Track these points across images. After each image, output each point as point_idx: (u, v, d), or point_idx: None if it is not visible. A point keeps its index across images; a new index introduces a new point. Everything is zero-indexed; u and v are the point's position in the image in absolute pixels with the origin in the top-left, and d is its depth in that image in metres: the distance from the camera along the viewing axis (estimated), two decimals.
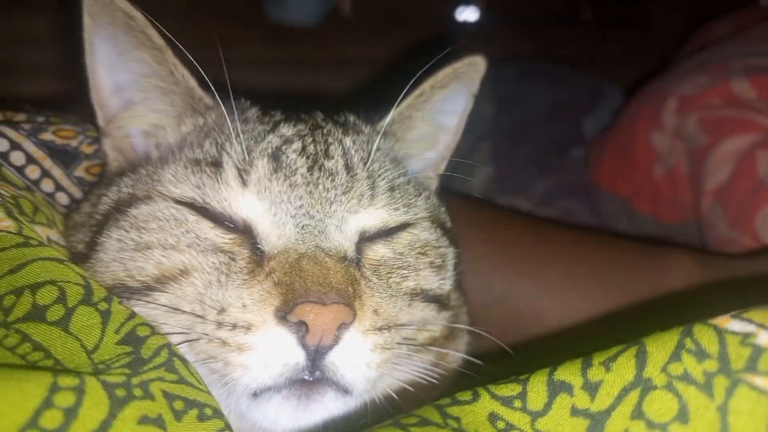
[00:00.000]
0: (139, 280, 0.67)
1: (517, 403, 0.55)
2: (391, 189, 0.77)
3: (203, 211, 0.70)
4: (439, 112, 0.90)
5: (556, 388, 0.55)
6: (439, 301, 0.76)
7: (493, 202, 1.71)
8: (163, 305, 0.66)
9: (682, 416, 0.51)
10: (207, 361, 0.63)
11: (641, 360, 0.54)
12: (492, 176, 1.86)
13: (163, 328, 0.65)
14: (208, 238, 0.69)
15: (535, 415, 0.54)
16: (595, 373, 0.54)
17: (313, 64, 2.16)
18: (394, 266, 0.73)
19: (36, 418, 0.48)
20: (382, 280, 0.71)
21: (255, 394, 0.63)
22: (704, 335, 0.53)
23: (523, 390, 0.56)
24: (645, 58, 2.41)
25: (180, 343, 0.64)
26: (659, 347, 0.54)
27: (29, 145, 0.84)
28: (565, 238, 1.21)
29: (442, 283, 0.77)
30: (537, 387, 0.55)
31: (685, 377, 0.52)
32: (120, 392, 0.53)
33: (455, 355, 0.79)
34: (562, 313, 1.07)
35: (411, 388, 0.70)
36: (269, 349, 0.61)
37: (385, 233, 0.75)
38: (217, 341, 0.62)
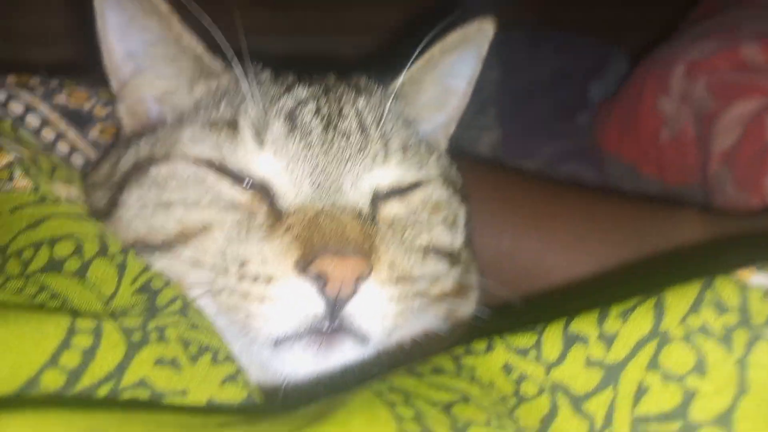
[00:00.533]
0: (161, 237, 0.69)
1: (532, 354, 0.55)
2: (404, 148, 0.78)
3: (222, 170, 0.71)
4: (449, 75, 0.91)
5: (571, 339, 0.55)
6: (450, 256, 0.78)
7: (500, 162, 1.71)
8: (185, 260, 0.68)
9: (700, 368, 0.50)
10: (229, 312, 0.65)
11: (659, 312, 0.53)
12: (498, 140, 1.87)
13: (184, 282, 0.67)
14: (227, 196, 0.70)
15: (549, 366, 0.54)
16: (612, 324, 0.54)
17: (317, 31, 2.14)
18: (408, 223, 0.75)
19: (55, 357, 0.50)
20: (396, 235, 0.73)
21: (276, 344, 0.65)
22: (725, 288, 0.52)
23: (538, 340, 0.55)
24: (650, 26, 2.38)
25: (202, 296, 0.66)
26: (678, 299, 0.53)
27: (44, 108, 0.85)
28: (573, 196, 1.22)
29: (453, 239, 0.79)
30: (552, 338, 0.55)
31: (704, 330, 0.51)
32: (136, 336, 0.55)
33: (465, 309, 0.81)
34: (569, 269, 1.09)
35: (423, 339, 0.72)
36: (290, 300, 0.63)
37: (399, 191, 0.77)
38: (239, 293, 0.64)
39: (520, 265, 1.10)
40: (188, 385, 0.55)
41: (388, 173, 0.76)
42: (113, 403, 0.52)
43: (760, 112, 1.32)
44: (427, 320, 0.75)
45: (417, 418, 0.44)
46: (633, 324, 0.53)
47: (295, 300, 0.63)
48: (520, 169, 1.61)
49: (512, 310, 0.81)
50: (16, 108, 0.83)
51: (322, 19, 2.18)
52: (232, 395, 0.58)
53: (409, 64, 0.84)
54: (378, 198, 0.75)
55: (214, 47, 0.80)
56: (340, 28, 2.19)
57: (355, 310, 0.65)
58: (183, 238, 0.68)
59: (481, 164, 1.23)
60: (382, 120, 0.78)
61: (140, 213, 0.71)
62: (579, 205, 1.18)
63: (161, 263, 0.68)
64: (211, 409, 0.56)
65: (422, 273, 0.73)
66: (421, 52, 0.84)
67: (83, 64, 0.89)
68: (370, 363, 0.68)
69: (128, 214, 0.71)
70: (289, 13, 2.12)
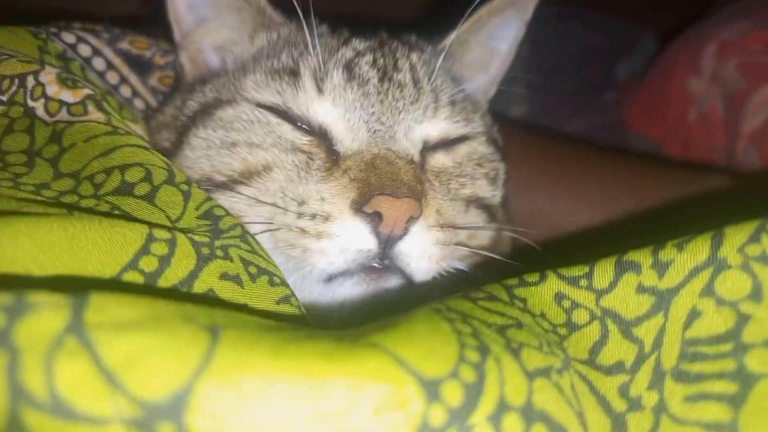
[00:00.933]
0: (226, 174, 0.73)
1: (583, 282, 0.56)
2: (452, 103, 0.82)
3: (284, 114, 0.76)
4: (494, 37, 0.95)
5: (623, 268, 0.55)
6: (490, 210, 0.82)
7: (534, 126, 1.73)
8: (247, 198, 0.72)
9: (756, 295, 0.51)
10: (286, 248, 0.69)
11: (717, 241, 0.53)
12: (527, 112, 1.89)
13: (245, 219, 0.71)
14: (288, 139, 0.75)
15: (599, 293, 0.55)
16: (667, 253, 0.54)
17: None
18: (453, 174, 0.80)
19: (136, 260, 0.54)
20: (443, 185, 0.77)
21: (328, 279, 0.69)
22: None
23: (590, 270, 0.56)
24: (677, 8, 2.38)
25: (261, 233, 0.70)
26: (738, 230, 0.53)
27: (109, 52, 0.90)
28: (604, 157, 1.27)
29: (494, 193, 0.84)
30: (604, 267, 0.56)
31: (763, 258, 0.51)
32: (205, 250, 0.59)
33: (499, 261, 0.84)
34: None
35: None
36: (346, 236, 0.67)
37: (446, 144, 0.81)
38: (296, 230, 0.69)
39: (554, 223, 1.14)
40: (248, 300, 0.59)
41: (437, 126, 0.80)
42: (189, 296, 0.56)
43: None
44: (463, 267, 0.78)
45: (474, 334, 0.47)
46: (689, 252, 0.54)
47: (350, 237, 0.67)
48: (554, 131, 1.64)
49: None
50: (83, 51, 0.87)
51: None
52: (287, 314, 0.62)
53: (459, 25, 0.87)
54: (426, 149, 0.79)
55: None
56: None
57: (404, 250, 0.69)
58: (245, 176, 0.73)
59: (517, 126, 1.27)
60: (434, 75, 0.82)
61: (206, 152, 0.75)
62: (610, 165, 1.22)
63: (222, 202, 0.71)
64: (274, 315, 0.59)
65: (464, 222, 0.77)
66: (470, 14, 0.87)
67: (146, 18, 0.93)
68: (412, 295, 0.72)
69: (194, 154, 0.76)
70: None
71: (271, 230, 0.70)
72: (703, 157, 1.63)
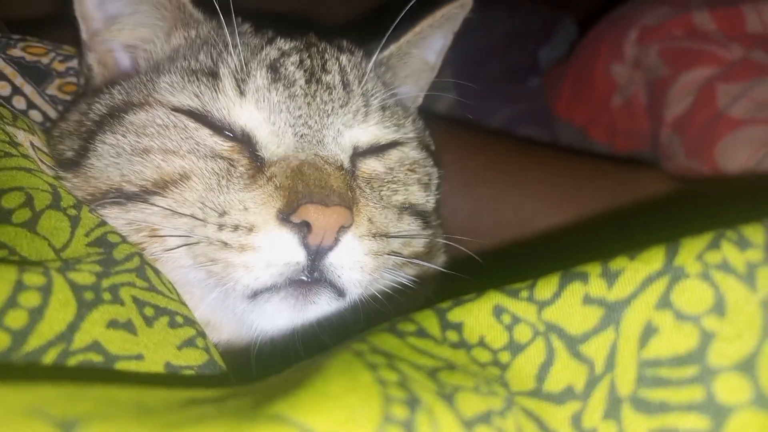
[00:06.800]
0: (138, 185, 0.67)
1: (524, 294, 0.51)
2: (383, 108, 0.78)
3: (202, 119, 0.70)
4: (429, 50, 0.93)
5: (569, 278, 0.50)
6: (424, 216, 0.79)
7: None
8: (162, 209, 0.65)
9: (718, 308, 0.45)
10: (206, 264, 0.64)
11: (673, 249, 0.48)
12: (454, 102, 1.86)
13: (161, 233, 0.65)
14: (207, 145, 0.69)
15: (541, 305, 0.50)
16: (617, 262, 0.49)
17: None
18: (386, 180, 0.76)
19: (0, 317, 0.48)
20: (374, 192, 0.73)
21: (253, 296, 0.64)
22: (748, 226, 0.48)
23: (533, 282, 0.51)
24: None
25: (178, 247, 0.64)
26: (695, 239, 0.48)
27: None
28: (547, 153, 1.29)
29: (428, 199, 0.81)
30: (547, 278, 0.51)
31: (724, 266, 0.46)
32: (88, 295, 0.53)
33: (435, 270, 0.82)
34: (547, 218, 1.13)
35: (396, 294, 0.73)
36: (271, 249, 0.62)
37: (377, 149, 0.77)
38: (217, 243, 0.63)
39: (500, 216, 1.13)
40: (143, 350, 0.54)
41: (368, 131, 0.76)
42: (63, 370, 0.49)
43: (712, 81, 1.36)
44: (400, 278, 0.75)
45: (402, 383, 0.42)
46: (642, 261, 0.48)
47: (277, 250, 0.62)
48: (494, 129, 1.65)
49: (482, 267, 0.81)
50: None
51: None
52: (191, 360, 0.56)
53: (384, 39, 0.82)
54: (357, 155, 0.75)
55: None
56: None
57: (335, 262, 0.64)
58: (160, 186, 0.66)
59: (457, 125, 1.26)
60: (365, 78, 0.78)
61: (115, 160, 0.68)
62: (554, 160, 1.23)
63: (134, 214, 0.66)
64: (171, 377, 0.54)
65: (398, 230, 0.74)
66: (398, 27, 0.83)
67: (55, 20, 0.85)
68: (345, 315, 0.68)
69: (101, 162, 0.69)
70: None
71: (189, 244, 0.65)
72: (627, 144, 1.65)
